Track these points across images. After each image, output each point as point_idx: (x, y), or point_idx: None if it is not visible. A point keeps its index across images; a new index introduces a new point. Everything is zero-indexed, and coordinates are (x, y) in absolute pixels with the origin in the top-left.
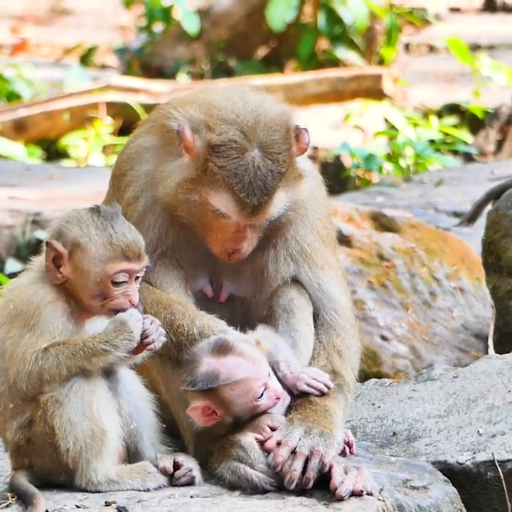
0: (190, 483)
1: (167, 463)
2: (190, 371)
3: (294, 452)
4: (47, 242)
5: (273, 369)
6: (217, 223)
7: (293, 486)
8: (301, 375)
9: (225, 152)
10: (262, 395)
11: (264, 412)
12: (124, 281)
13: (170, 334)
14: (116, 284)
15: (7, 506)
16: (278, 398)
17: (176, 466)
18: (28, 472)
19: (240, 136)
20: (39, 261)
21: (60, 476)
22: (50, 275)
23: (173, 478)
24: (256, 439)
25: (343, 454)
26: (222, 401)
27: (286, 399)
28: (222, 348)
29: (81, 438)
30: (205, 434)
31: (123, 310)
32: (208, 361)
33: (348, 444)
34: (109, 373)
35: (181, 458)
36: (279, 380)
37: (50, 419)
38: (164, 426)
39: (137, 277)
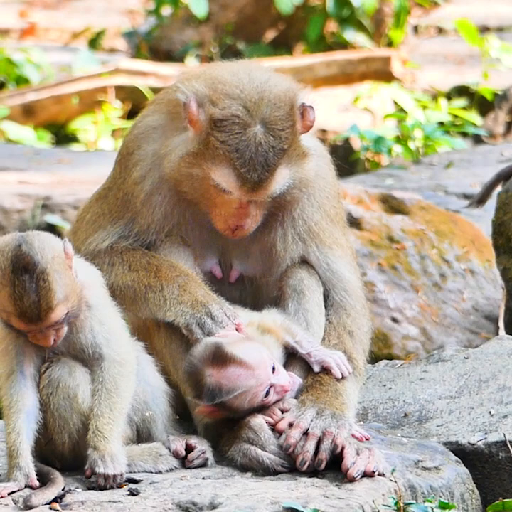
0: (204, 465)
1: (179, 445)
2: (194, 384)
3: (306, 433)
4: None
5: (294, 348)
6: (220, 199)
7: (305, 467)
8: (327, 353)
9: (227, 127)
10: (267, 393)
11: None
12: (28, 331)
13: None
14: (22, 330)
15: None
16: (285, 391)
17: (189, 448)
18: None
19: (243, 112)
20: None
21: (55, 464)
22: None
23: (186, 461)
24: (267, 421)
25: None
26: (229, 408)
27: (296, 383)
28: (220, 358)
29: (74, 431)
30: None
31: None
32: (209, 373)
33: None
34: None
35: (194, 440)
36: (298, 358)
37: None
38: (178, 417)
39: (52, 326)
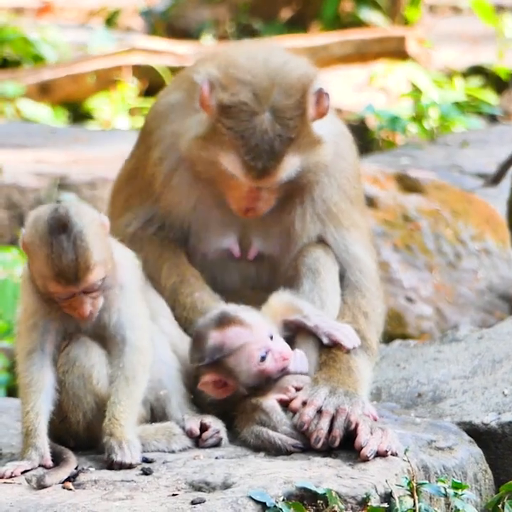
0: (217, 444)
1: (194, 425)
2: (198, 348)
3: (319, 411)
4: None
5: (302, 322)
6: (231, 182)
7: (320, 445)
8: (335, 326)
9: (235, 114)
10: (264, 358)
11: (279, 377)
12: (67, 297)
13: (174, 299)
14: (58, 297)
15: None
16: (285, 359)
17: (203, 427)
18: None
19: (251, 99)
20: None
21: (69, 442)
22: None
23: (200, 440)
24: (280, 399)
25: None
26: (229, 371)
27: (304, 356)
28: (224, 320)
29: (88, 410)
30: (225, 402)
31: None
32: (213, 335)
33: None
34: None
35: (208, 419)
36: (310, 335)
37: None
38: (192, 397)
39: (89, 291)
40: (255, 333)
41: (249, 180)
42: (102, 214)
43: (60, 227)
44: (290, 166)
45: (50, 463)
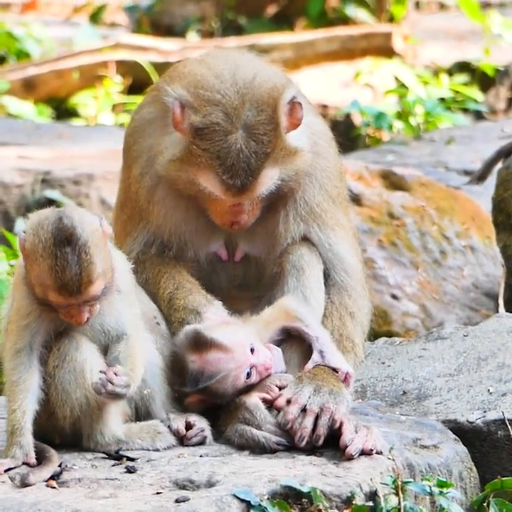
0: (202, 442)
1: (180, 424)
2: (179, 372)
3: (304, 410)
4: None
5: (301, 332)
6: (212, 198)
7: (303, 444)
8: (332, 349)
9: (208, 135)
10: (249, 374)
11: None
12: (66, 306)
13: (169, 306)
14: (56, 305)
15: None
16: (268, 369)
17: (188, 426)
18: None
19: (223, 119)
20: None
21: (55, 439)
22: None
23: (184, 438)
24: (263, 398)
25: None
26: (214, 393)
27: (278, 353)
28: (200, 343)
29: (76, 406)
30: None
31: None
32: (192, 359)
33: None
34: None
35: (193, 418)
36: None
37: (45, 388)
38: (176, 395)
39: (88, 301)
40: (237, 356)
41: (229, 197)
42: (103, 219)
43: (65, 239)
44: (268, 179)
45: (33, 461)
